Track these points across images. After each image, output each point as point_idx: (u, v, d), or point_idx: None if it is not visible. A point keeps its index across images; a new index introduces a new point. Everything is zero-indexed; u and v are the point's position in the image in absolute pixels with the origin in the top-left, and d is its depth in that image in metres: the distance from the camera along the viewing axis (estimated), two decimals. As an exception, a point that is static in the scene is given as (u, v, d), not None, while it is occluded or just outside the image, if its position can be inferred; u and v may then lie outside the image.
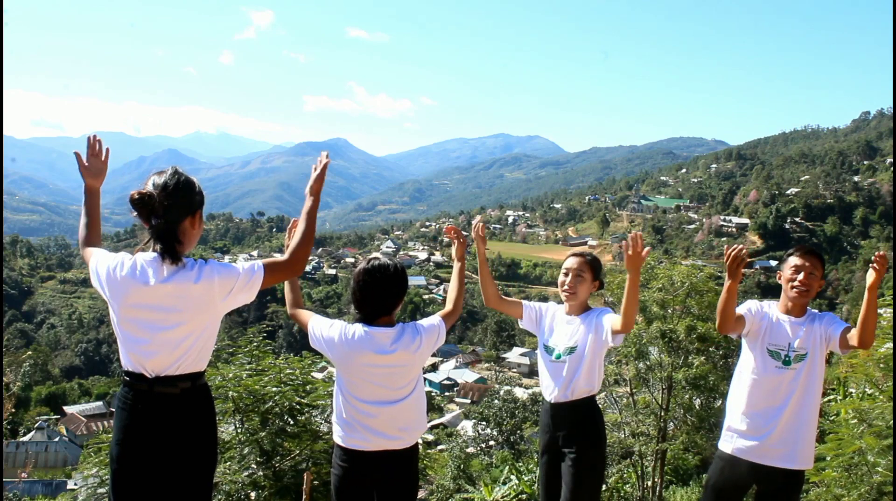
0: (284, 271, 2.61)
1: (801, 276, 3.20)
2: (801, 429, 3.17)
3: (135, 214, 2.51)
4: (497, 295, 3.57)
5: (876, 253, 3.00)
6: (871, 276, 3.02)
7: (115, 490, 2.50)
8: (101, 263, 2.58)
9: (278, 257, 2.63)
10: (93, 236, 2.82)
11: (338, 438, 2.90)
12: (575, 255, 3.53)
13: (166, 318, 2.45)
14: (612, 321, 3.33)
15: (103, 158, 2.89)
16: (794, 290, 3.21)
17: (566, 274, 3.47)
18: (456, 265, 3.28)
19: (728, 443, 3.28)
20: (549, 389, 3.43)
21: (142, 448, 2.47)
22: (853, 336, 3.07)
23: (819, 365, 3.21)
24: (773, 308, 3.33)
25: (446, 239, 3.33)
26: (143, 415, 2.47)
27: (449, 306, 3.17)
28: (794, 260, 3.25)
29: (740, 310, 3.24)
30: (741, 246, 3.08)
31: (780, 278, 3.31)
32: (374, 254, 3.20)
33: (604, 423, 3.50)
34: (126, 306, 2.47)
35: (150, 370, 2.46)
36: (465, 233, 3.35)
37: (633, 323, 3.34)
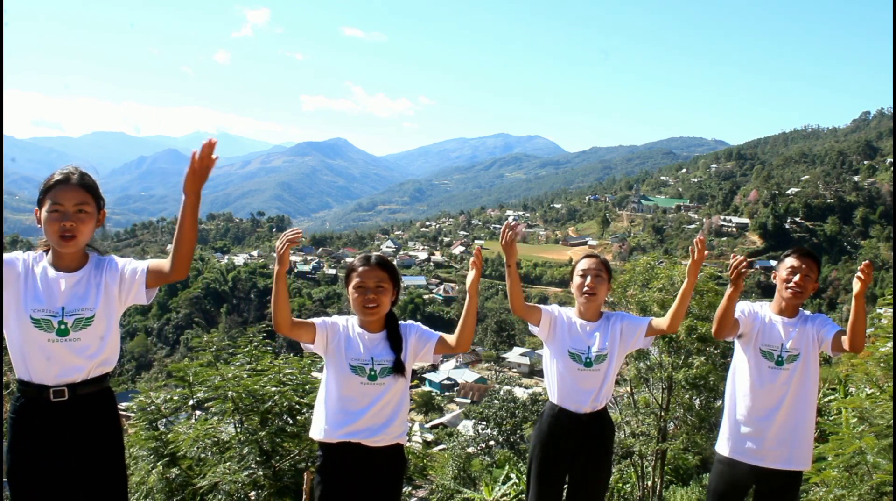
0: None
1: (796, 277, 3.24)
2: (798, 430, 3.20)
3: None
4: (523, 303, 3.29)
5: (863, 263, 3.03)
6: (856, 285, 3.05)
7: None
8: None
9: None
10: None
11: None
12: (589, 256, 3.44)
13: None
14: (655, 320, 3.30)
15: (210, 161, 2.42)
16: (789, 291, 3.25)
17: (583, 276, 3.34)
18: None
19: (725, 446, 3.31)
20: (576, 398, 3.27)
21: None
22: (845, 341, 3.11)
23: (813, 365, 3.25)
24: (766, 309, 3.36)
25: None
26: None
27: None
28: (790, 261, 3.28)
29: (734, 313, 3.26)
30: (743, 257, 3.11)
31: (775, 279, 3.35)
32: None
33: None
34: None
35: None
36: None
37: (679, 325, 3.31)
